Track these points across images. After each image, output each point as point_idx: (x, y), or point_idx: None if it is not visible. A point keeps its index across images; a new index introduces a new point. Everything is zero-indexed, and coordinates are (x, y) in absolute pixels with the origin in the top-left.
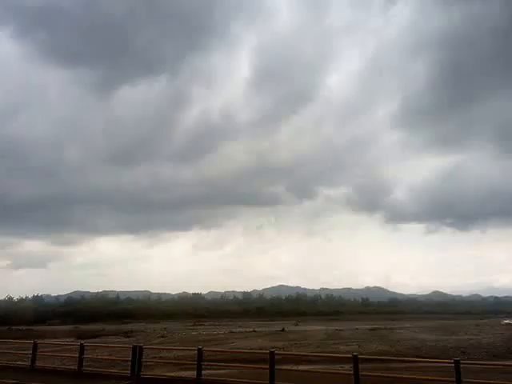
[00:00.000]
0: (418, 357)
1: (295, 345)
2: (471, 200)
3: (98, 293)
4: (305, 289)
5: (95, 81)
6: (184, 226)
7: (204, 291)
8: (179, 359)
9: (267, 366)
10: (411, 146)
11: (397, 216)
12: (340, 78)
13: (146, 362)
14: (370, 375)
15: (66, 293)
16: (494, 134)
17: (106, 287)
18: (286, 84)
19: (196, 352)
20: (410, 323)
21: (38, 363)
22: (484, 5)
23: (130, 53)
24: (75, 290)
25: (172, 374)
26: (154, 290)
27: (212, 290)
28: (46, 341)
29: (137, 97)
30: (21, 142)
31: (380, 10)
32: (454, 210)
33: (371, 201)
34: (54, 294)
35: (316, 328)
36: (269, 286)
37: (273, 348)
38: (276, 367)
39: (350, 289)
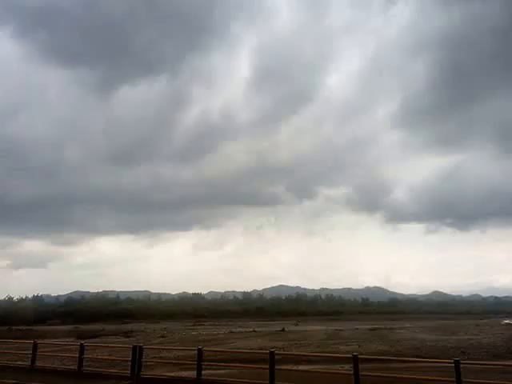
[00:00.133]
0: (418, 357)
1: (295, 345)
2: (471, 200)
3: (97, 293)
4: (305, 289)
5: (95, 81)
6: (184, 225)
7: (204, 291)
8: (179, 359)
9: (267, 366)
10: (411, 146)
11: (397, 216)
12: (340, 77)
13: (146, 362)
14: (370, 375)
15: (65, 293)
16: (494, 134)
17: (106, 287)
18: (285, 84)
19: (196, 352)
20: (410, 323)
21: (38, 363)
22: (484, 5)
23: (129, 53)
24: (75, 290)
25: (172, 374)
26: (153, 290)
27: (212, 290)
28: (46, 341)
29: (137, 97)
30: (21, 142)
31: (380, 9)
32: (454, 210)
33: (371, 201)
34: (54, 294)
35: (316, 328)
36: (269, 286)
37: (273, 348)
38: (276, 367)
39: (350, 289)
